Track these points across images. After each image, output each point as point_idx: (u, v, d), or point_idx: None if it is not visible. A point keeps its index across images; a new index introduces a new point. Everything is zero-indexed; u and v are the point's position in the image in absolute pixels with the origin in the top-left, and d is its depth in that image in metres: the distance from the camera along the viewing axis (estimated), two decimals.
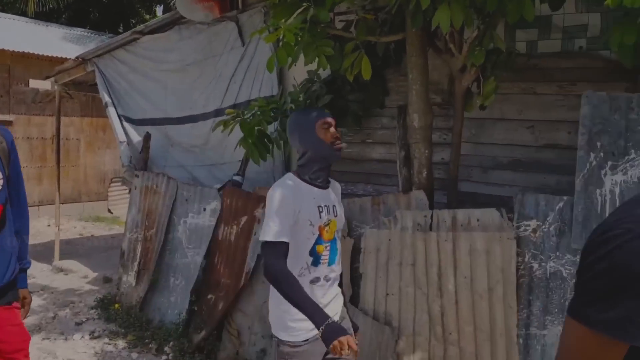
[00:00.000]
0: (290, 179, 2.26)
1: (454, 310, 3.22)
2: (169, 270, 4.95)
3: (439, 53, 3.51)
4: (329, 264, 2.30)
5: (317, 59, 3.22)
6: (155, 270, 4.99)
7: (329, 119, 2.30)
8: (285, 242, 2.12)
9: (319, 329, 2.00)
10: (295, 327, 2.20)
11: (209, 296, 4.44)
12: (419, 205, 3.46)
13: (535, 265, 3.03)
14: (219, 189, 4.69)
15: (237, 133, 4.14)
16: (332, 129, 2.28)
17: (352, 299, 3.61)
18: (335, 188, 2.44)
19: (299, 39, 3.11)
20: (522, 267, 3.07)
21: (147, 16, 17.39)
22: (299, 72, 4.27)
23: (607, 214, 2.81)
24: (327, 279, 2.29)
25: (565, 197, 2.97)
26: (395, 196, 3.63)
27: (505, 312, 3.08)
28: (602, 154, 2.86)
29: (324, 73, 4.27)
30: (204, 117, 5.46)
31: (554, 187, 3.51)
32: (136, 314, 4.98)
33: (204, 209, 4.71)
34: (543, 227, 3.00)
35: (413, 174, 3.56)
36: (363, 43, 3.34)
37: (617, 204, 2.80)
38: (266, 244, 2.14)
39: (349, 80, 3.46)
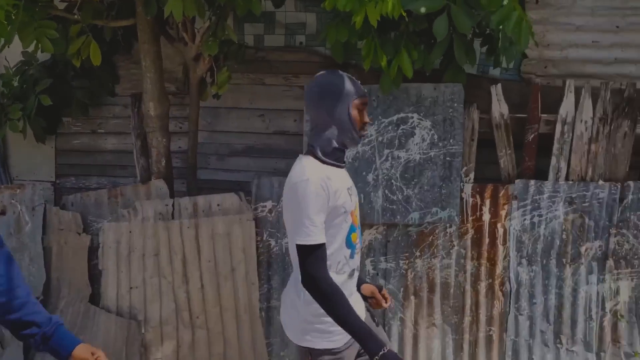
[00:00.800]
0: (313, 164, 1.88)
1: (200, 295, 3.30)
2: None
3: (171, 41, 3.51)
4: (359, 252, 2.05)
5: (35, 42, 2.93)
6: None
7: (367, 101, 1.96)
8: (324, 244, 1.81)
9: (372, 358, 1.75)
10: (336, 330, 1.88)
11: None
12: (160, 194, 3.43)
13: (273, 243, 3.29)
14: None
15: None
16: (365, 113, 1.95)
17: (92, 299, 3.41)
18: None
19: (13, 17, 2.77)
20: (261, 245, 3.31)
21: None
22: (12, 53, 3.78)
23: None
24: (357, 269, 2.03)
25: None
26: (134, 187, 3.52)
27: (248, 289, 3.29)
28: None
29: (43, 56, 3.88)
30: None
31: (284, 170, 3.83)
32: None
33: None
34: (278, 207, 3.28)
35: (151, 163, 3.51)
36: (89, 27, 3.15)
37: None
38: (304, 248, 1.80)
39: (72, 65, 3.22)
